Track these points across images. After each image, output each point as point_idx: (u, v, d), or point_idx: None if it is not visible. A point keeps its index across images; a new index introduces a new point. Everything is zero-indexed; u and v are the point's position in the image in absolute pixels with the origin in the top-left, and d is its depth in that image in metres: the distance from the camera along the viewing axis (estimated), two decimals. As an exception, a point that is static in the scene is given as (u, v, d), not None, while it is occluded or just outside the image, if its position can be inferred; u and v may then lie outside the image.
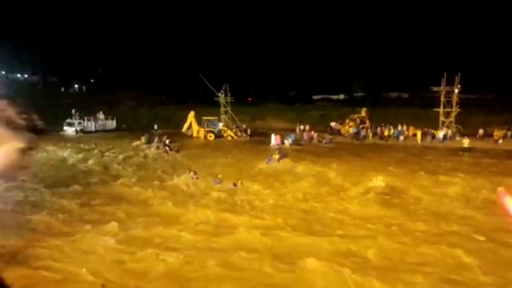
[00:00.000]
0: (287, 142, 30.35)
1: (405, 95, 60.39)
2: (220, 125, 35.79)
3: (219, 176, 16.49)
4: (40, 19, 53.24)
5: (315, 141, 32.37)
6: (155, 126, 37.61)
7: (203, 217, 11.56)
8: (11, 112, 1.20)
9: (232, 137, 34.39)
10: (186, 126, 35.80)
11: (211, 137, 33.89)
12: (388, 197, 14.11)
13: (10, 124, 1.19)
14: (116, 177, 17.32)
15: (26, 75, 65.23)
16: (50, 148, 24.52)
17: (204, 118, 35.56)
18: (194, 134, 34.86)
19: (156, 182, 16.36)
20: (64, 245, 8.90)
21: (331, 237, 9.96)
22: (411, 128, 35.44)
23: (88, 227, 10.26)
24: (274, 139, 30.08)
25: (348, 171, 18.81)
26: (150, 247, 8.84)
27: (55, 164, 20.51)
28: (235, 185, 15.55)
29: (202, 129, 34.68)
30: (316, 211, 12.64)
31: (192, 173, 16.97)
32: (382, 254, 8.93)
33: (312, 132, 34.13)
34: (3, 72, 60.11)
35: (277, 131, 34.15)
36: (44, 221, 10.76)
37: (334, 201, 13.72)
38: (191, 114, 35.57)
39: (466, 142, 29.33)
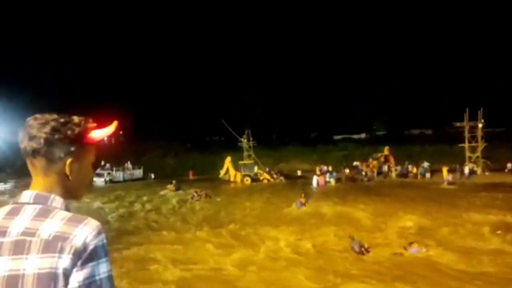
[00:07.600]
0: (332, 180, 30.91)
1: (428, 132, 59.98)
2: (256, 168, 36.38)
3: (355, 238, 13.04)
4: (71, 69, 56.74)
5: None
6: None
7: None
8: None
9: (268, 180, 34.77)
10: (223, 171, 36.72)
11: (247, 181, 34.49)
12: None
13: None
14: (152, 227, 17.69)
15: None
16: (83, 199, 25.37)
17: (241, 162, 36.59)
18: (231, 179, 35.58)
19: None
20: None
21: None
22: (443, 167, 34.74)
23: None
24: (316, 181, 30.15)
25: (378, 211, 18.79)
26: None
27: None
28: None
29: (239, 174, 35.36)
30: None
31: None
32: None
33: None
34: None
35: (302, 173, 34.19)
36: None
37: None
38: (228, 159, 36.48)
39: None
